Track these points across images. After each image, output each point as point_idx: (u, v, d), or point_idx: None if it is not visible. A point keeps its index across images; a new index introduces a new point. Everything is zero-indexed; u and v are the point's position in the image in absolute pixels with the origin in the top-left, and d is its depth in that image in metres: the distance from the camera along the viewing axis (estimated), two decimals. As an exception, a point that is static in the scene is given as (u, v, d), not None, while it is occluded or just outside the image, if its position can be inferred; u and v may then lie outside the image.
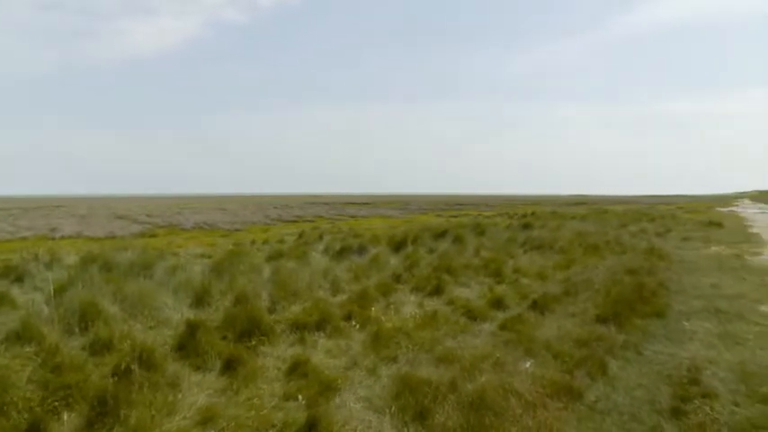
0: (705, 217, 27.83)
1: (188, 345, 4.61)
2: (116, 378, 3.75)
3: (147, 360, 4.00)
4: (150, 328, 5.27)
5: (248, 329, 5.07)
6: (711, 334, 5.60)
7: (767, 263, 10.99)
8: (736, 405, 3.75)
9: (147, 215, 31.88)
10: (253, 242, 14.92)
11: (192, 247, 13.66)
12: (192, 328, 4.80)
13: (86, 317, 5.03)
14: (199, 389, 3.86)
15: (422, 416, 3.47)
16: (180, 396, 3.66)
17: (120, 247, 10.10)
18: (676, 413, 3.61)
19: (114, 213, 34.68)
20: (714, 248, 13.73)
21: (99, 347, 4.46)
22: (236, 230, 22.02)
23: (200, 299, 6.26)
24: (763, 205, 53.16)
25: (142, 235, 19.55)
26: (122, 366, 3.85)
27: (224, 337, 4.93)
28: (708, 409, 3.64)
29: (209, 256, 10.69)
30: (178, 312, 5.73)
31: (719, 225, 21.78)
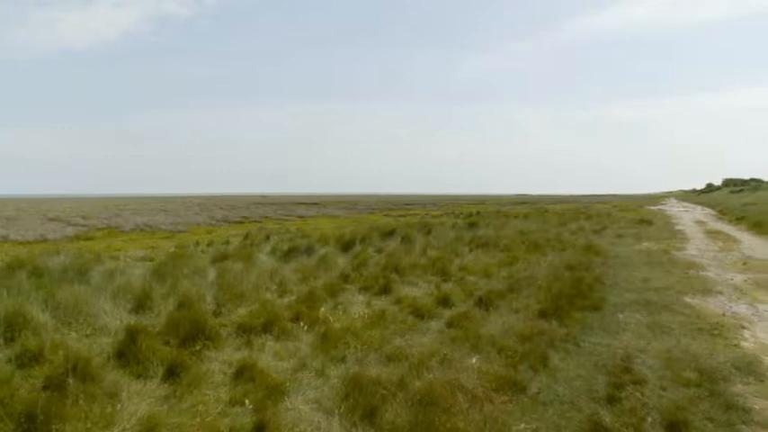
0: (637, 215, 29.53)
1: (128, 352, 4.42)
2: (47, 391, 3.54)
3: (82, 370, 3.79)
4: (86, 336, 5.01)
5: (192, 334, 4.91)
6: (642, 324, 5.96)
7: (690, 257, 11.82)
8: (663, 389, 4.02)
9: (83, 217, 30.17)
10: (197, 244, 14.45)
11: (132, 250, 13.09)
12: (133, 335, 4.60)
13: (13, 326, 4.71)
14: (140, 398, 3.71)
15: (371, 415, 3.49)
16: (119, 406, 3.50)
17: (52, 252, 9.53)
18: (611, 400, 3.83)
19: (45, 215, 32.60)
20: (645, 244, 14.59)
21: (28, 359, 4.19)
22: (180, 232, 21.30)
23: (142, 304, 6.01)
24: (687, 204, 57.10)
25: (77, 238, 18.54)
26: (54, 378, 3.65)
27: (167, 343, 4.76)
28: (639, 394, 3.89)
29: (151, 259, 10.28)
30: (117, 318, 5.47)
31: (650, 223, 23.17)
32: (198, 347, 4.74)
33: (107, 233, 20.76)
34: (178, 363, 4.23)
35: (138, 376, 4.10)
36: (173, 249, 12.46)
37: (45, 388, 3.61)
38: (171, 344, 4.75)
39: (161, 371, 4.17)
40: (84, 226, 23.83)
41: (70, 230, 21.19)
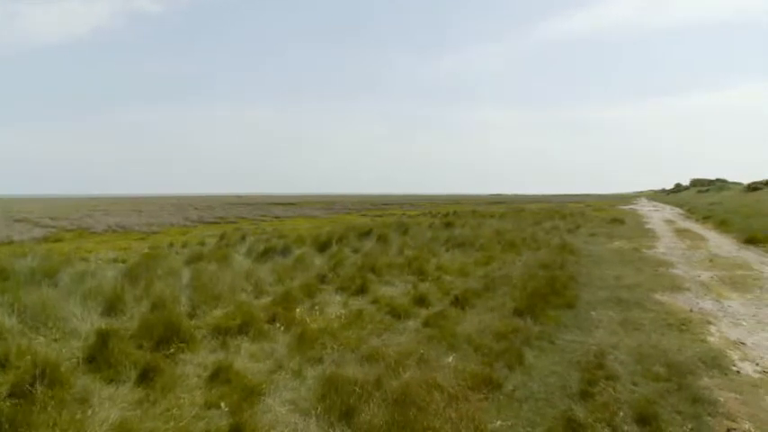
0: (609, 214, 30.16)
1: (99, 356, 4.32)
2: (13, 398, 3.44)
3: (50, 376, 3.69)
4: (55, 340, 4.87)
5: (166, 336, 4.84)
6: (614, 321, 6.09)
7: (660, 255, 12.13)
8: (635, 384, 4.12)
9: (52, 218, 29.32)
10: (171, 245, 14.23)
11: (103, 252, 12.79)
12: (104, 338, 4.50)
13: (-22, 332, 4.56)
14: (111, 403, 3.63)
15: (348, 415, 3.49)
16: (90, 412, 3.41)
17: (19, 253, 9.25)
18: (584, 396, 3.91)
19: (12, 216, 31.60)
20: (617, 243, 14.91)
21: (-7, 365, 4.07)
22: (154, 233, 20.91)
23: (114, 306, 5.88)
24: (657, 203, 58.69)
25: (46, 240, 18.00)
26: (21, 385, 3.54)
27: (140, 346, 4.67)
28: (611, 390, 3.98)
29: (124, 261, 10.07)
30: (88, 322, 5.34)
31: (622, 222, 23.69)
32: (172, 350, 4.67)
33: (77, 234, 20.25)
34: (152, 366, 4.16)
35: (110, 381, 4.01)
36: (146, 250, 12.23)
37: (11, 395, 3.50)
38: (144, 347, 4.67)
39: (134, 375, 4.10)
40: (53, 227, 23.16)
41: (38, 232, 20.58)
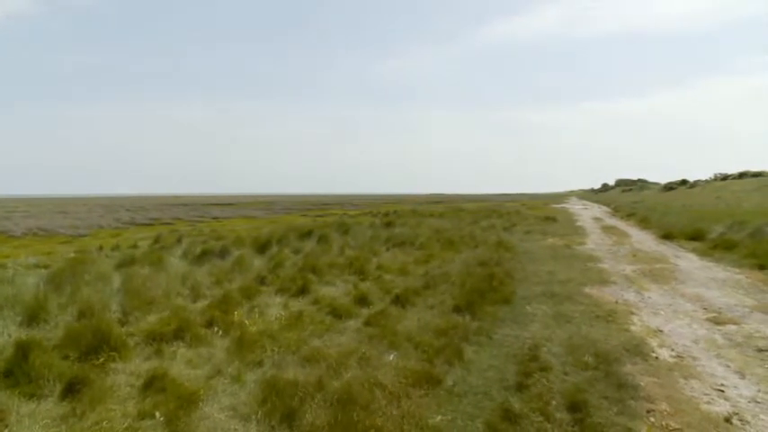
0: (543, 213, 31.53)
1: (18, 370, 4.01)
2: None
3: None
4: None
5: (95, 345, 4.57)
6: (548, 315, 6.38)
7: (589, 251, 12.84)
8: (566, 374, 4.34)
9: (-39, 221, 26.97)
10: (100, 248, 13.48)
11: (23, 257, 11.91)
12: (24, 350, 4.19)
13: None
14: (32, 420, 3.39)
15: (290, 418, 3.45)
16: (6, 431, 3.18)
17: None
18: (520, 387, 4.08)
19: None
20: (550, 240, 15.62)
21: None
22: (81, 236, 19.75)
23: (35, 315, 5.48)
24: (586, 202, 62.11)
25: (-46, 245, 16.55)
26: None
27: (66, 357, 4.40)
28: (545, 381, 4.17)
29: (47, 267, 9.43)
30: (4, 333, 4.96)
31: (554, 220, 24.84)
32: (102, 360, 4.43)
33: (-8, 239, 18.75)
34: (79, 378, 3.92)
35: (31, 396, 3.74)
36: (72, 255, 11.51)
37: None
38: (71, 358, 4.40)
39: (59, 388, 3.85)
40: (-37, 231, 21.31)
41: (-54, 237, 18.88)
